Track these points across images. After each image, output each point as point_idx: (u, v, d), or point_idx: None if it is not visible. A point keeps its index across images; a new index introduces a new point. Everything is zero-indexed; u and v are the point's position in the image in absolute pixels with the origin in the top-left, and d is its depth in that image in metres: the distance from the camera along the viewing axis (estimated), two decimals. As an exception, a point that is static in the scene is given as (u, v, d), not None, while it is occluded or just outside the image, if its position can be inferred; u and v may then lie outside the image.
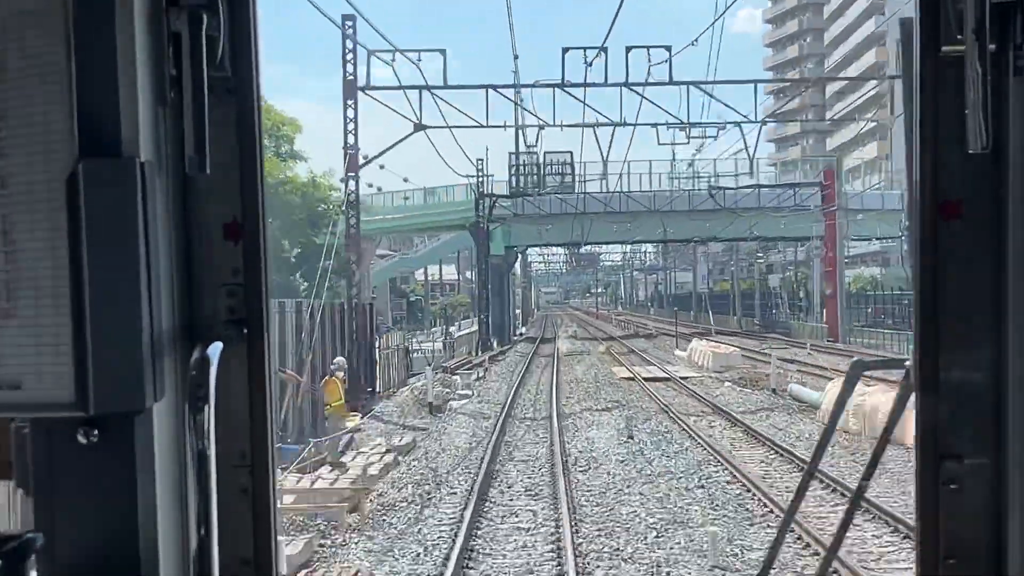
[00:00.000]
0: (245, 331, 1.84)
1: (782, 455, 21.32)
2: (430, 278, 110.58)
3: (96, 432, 1.68)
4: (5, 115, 1.63)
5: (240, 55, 1.79)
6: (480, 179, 65.82)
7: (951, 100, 1.78)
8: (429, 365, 47.52)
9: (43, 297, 1.64)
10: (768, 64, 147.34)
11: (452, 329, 77.66)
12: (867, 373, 2.46)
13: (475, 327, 66.71)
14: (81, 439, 1.69)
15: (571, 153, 67.08)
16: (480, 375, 45.02)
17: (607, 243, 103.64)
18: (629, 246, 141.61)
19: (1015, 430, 1.81)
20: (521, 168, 66.29)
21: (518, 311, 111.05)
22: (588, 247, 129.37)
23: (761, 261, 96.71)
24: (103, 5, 1.62)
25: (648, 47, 40.05)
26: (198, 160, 1.72)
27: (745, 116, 44.61)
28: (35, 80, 1.64)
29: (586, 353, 62.63)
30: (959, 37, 1.73)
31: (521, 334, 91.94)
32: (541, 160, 67.13)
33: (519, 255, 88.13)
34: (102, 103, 1.64)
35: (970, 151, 1.73)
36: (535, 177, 67.02)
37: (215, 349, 1.77)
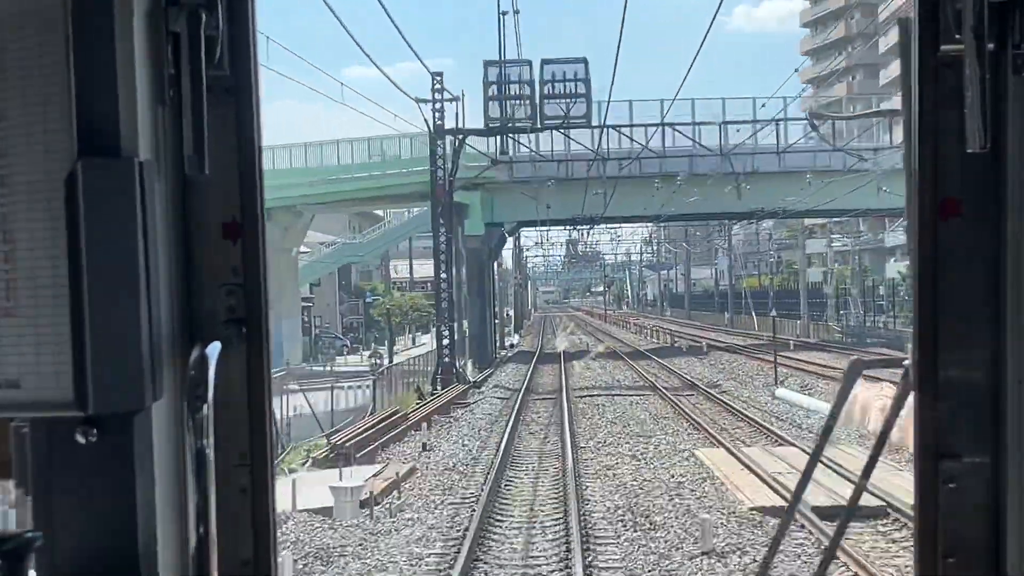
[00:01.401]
0: (244, 331, 1.93)
1: None
2: (399, 273, 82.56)
3: (95, 431, 1.78)
4: (4, 115, 1.76)
5: (239, 55, 1.89)
6: (437, 104, 33.29)
7: (950, 99, 1.89)
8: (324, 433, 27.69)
9: (42, 296, 1.75)
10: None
11: (423, 339, 47.26)
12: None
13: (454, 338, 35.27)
14: (80, 438, 1.78)
15: (584, 63, 34.77)
16: (396, 477, 20.48)
17: (638, 220, 74.30)
18: (649, 230, 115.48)
19: (1013, 429, 1.92)
20: (505, 84, 34.81)
21: (510, 313, 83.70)
22: (595, 237, 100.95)
23: (843, 246, 79.47)
24: (102, 4, 1.75)
25: None
26: (197, 160, 1.82)
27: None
28: (34, 79, 1.75)
29: (615, 390, 38.73)
30: (958, 36, 1.85)
31: (512, 346, 64.26)
32: (537, 74, 35.18)
33: (506, 237, 58.27)
34: (101, 103, 1.75)
35: (969, 150, 1.86)
36: (528, 104, 35.08)
37: (214, 349, 1.86)
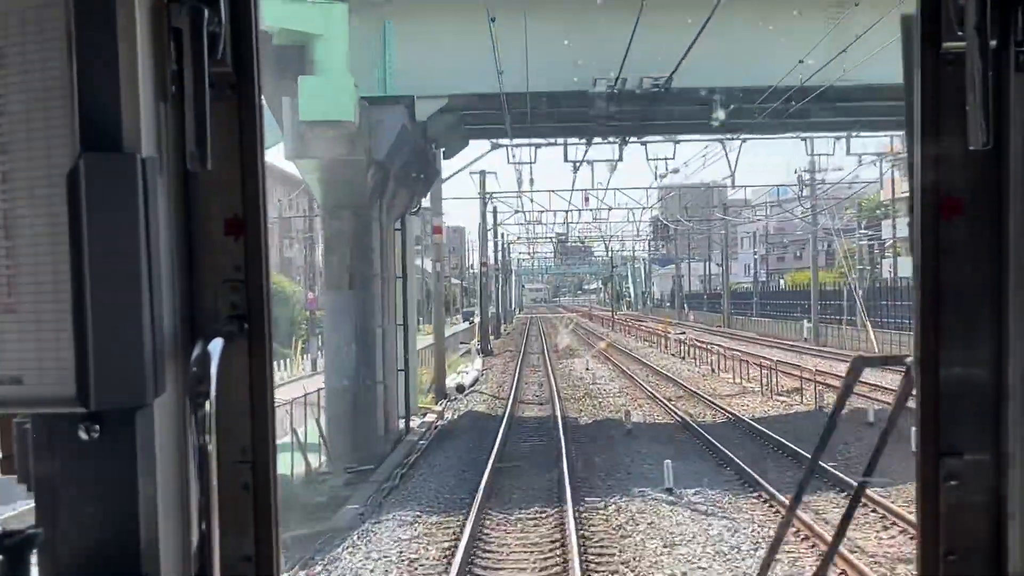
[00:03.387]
0: (246, 327, 1.94)
1: None
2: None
3: (97, 427, 1.79)
4: (6, 110, 1.77)
5: (241, 50, 1.91)
6: None
7: (952, 97, 1.90)
8: None
9: (44, 292, 1.76)
10: None
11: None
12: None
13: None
14: (82, 434, 1.79)
15: None
16: None
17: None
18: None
19: (1015, 426, 1.93)
20: None
21: (473, 319, 44.32)
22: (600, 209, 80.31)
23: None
24: (104, 0, 1.81)
25: None
26: (199, 156, 1.83)
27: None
28: (36, 75, 1.77)
29: None
30: (960, 33, 1.86)
31: (461, 390, 20.83)
32: None
33: (433, 149, 14.46)
34: (103, 98, 1.76)
35: (971, 148, 1.87)
36: None
37: (216, 345, 1.87)
